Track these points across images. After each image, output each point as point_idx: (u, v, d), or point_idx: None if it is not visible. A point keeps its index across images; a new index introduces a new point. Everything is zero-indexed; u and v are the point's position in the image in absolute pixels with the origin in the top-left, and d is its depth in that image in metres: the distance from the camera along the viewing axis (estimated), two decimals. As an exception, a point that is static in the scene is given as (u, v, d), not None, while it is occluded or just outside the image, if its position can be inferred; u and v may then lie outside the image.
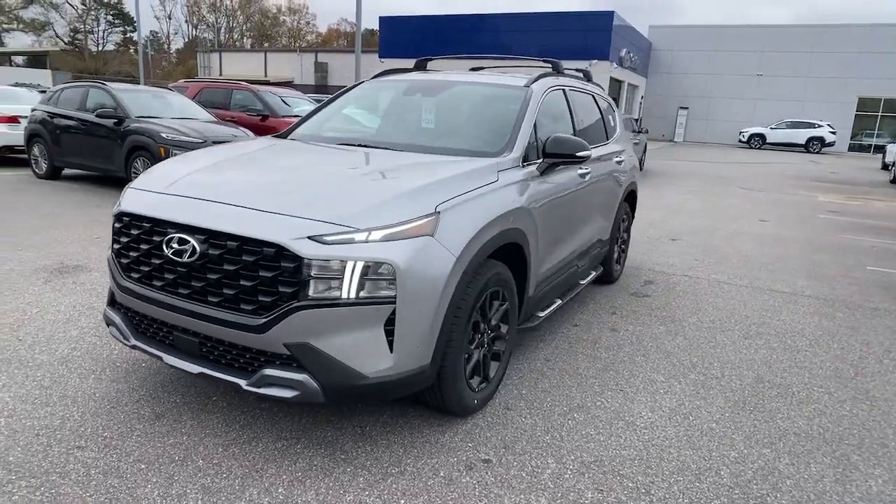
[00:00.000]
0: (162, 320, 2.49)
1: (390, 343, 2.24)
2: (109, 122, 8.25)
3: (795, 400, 3.18)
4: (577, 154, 3.26)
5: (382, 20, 31.77)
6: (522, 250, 2.99)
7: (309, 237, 2.18)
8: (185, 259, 2.32)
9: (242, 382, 2.28)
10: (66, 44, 51.53)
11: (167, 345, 2.52)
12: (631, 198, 5.40)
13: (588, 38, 26.86)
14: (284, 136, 3.75)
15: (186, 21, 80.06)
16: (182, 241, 2.33)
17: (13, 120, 10.28)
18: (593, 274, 4.55)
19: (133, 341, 2.59)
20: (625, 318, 4.35)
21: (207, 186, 2.56)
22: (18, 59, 43.15)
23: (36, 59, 39.93)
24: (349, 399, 2.34)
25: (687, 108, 35.55)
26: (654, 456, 2.56)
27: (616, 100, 30.38)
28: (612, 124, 5.08)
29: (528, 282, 3.15)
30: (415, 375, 2.34)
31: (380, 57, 32.08)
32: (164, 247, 2.38)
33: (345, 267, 2.16)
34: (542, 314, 3.55)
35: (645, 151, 17.08)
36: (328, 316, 2.17)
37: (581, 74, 4.90)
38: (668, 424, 2.84)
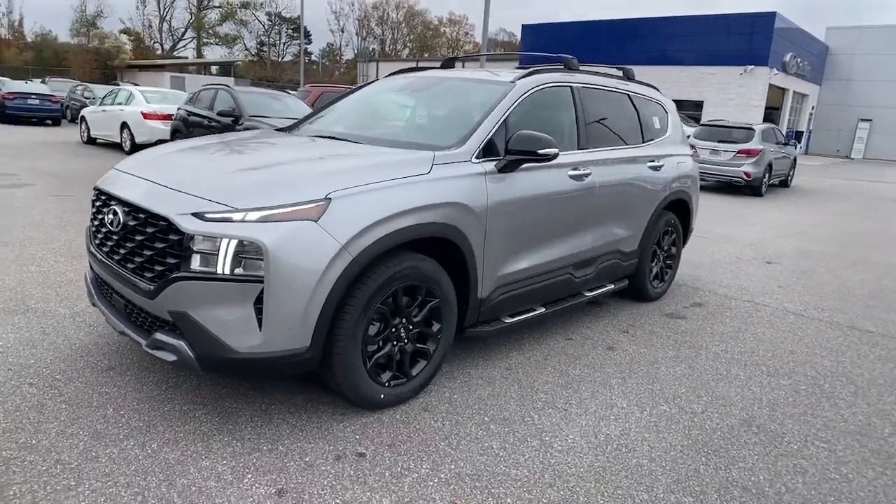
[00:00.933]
0: (108, 283, 2.79)
1: (260, 321, 2.30)
2: (227, 120, 9.27)
3: (776, 452, 2.67)
4: (539, 152, 3.06)
5: (525, 28, 31.77)
6: (459, 248, 2.87)
7: (192, 213, 2.32)
8: (115, 228, 2.59)
9: (143, 342, 2.48)
10: (252, 55, 58.53)
11: (111, 305, 2.82)
12: (679, 209, 4.88)
13: (746, 41, 24.49)
14: (287, 129, 3.96)
15: (357, 34, 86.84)
16: (114, 213, 2.60)
17: (167, 118, 11.94)
18: (609, 287, 4.20)
19: (94, 301, 2.93)
20: (635, 338, 3.95)
21: (155, 167, 2.82)
22: (213, 69, 49.79)
23: (226, 69, 45.88)
24: (222, 371, 2.43)
25: (870, 120, 30.93)
26: (543, 481, 2.33)
27: (777, 109, 27.36)
28: (657, 126, 4.65)
29: (475, 282, 3.02)
30: (289, 357, 2.37)
31: (521, 65, 32.12)
32: (105, 217, 2.68)
33: (220, 244, 2.26)
34: (510, 320, 3.38)
35: (793, 167, 15.27)
36: (204, 289, 2.29)
37: (621, 73, 4.56)
38: (590, 453, 2.55)
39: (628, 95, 4.39)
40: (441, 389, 3.02)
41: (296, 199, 2.36)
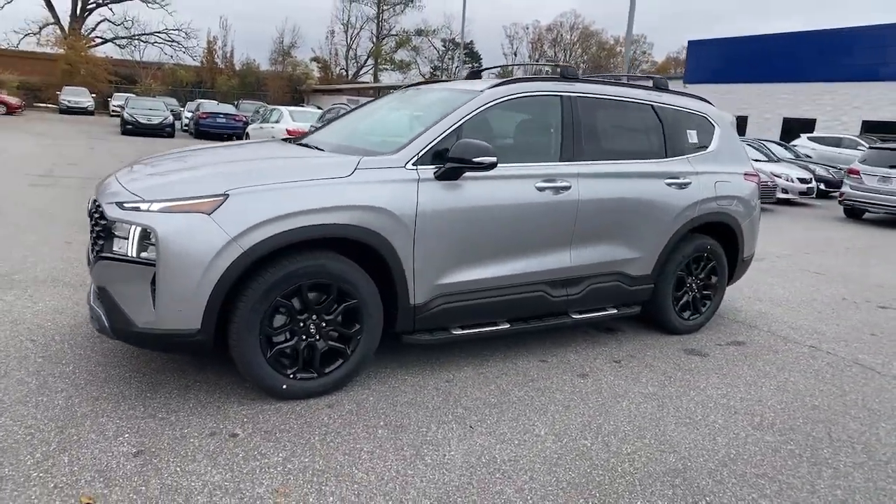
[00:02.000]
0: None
1: (154, 301, 2.57)
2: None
3: (685, 501, 2.30)
4: (473, 160, 2.99)
5: (691, 44, 29.77)
6: (378, 252, 2.91)
7: (116, 203, 2.68)
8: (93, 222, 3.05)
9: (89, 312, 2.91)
10: (425, 79, 62.51)
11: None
12: (720, 233, 4.32)
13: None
14: (298, 139, 4.27)
15: (529, 56, 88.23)
16: (89, 205, 3.08)
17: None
18: (610, 312, 3.87)
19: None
20: (622, 369, 3.59)
21: (128, 172, 3.23)
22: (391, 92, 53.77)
23: (397, 92, 49.51)
24: (128, 341, 2.72)
25: None
26: (381, 489, 2.27)
27: None
28: (693, 141, 4.20)
29: (403, 289, 3.02)
30: (182, 335, 2.61)
31: (684, 83, 30.13)
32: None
33: (129, 230, 2.59)
34: (460, 332, 3.31)
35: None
36: (117, 268, 2.63)
37: (650, 83, 4.21)
38: (457, 472, 2.42)
39: (652, 106, 4.04)
40: (362, 390, 3.05)
41: (194, 194, 2.61)
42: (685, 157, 4.12)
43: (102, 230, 2.71)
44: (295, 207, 2.69)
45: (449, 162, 3.04)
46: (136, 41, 46.10)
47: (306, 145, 3.62)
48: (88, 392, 2.82)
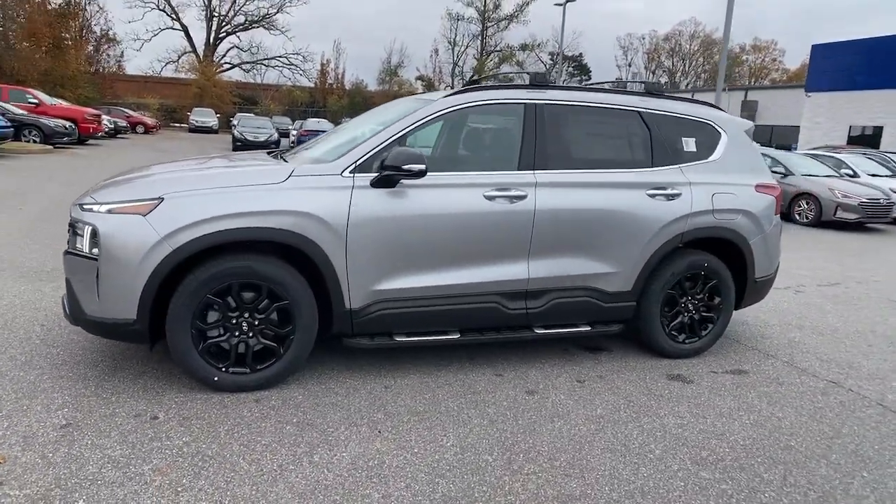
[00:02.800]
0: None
1: (98, 292, 2.87)
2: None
3: (553, 534, 2.16)
4: (403, 167, 3.03)
5: (816, 48, 27.18)
6: (308, 255, 3.02)
7: (78, 205, 3.03)
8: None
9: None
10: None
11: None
12: (723, 250, 3.97)
13: None
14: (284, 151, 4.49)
15: (645, 67, 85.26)
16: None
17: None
18: (583, 329, 3.70)
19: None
20: (577, 390, 3.41)
21: (111, 180, 3.60)
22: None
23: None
24: (82, 326, 3.03)
25: None
26: (257, 478, 2.36)
27: None
28: (689, 149, 3.92)
29: (337, 293, 3.11)
30: (121, 325, 2.88)
31: (806, 91, 27.63)
32: None
33: (84, 228, 2.92)
34: (404, 339, 3.34)
35: None
36: (76, 262, 2.97)
37: (643, 87, 4.00)
38: (343, 473, 2.45)
39: (639, 113, 3.82)
40: (296, 388, 3.17)
41: (135, 198, 2.90)
42: (676, 166, 3.85)
43: (69, 228, 3.08)
44: (221, 211, 2.88)
45: (385, 169, 3.10)
46: (258, 65, 50.48)
47: (280, 156, 3.84)
48: (59, 371, 3.18)
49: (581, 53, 70.08)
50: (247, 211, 2.92)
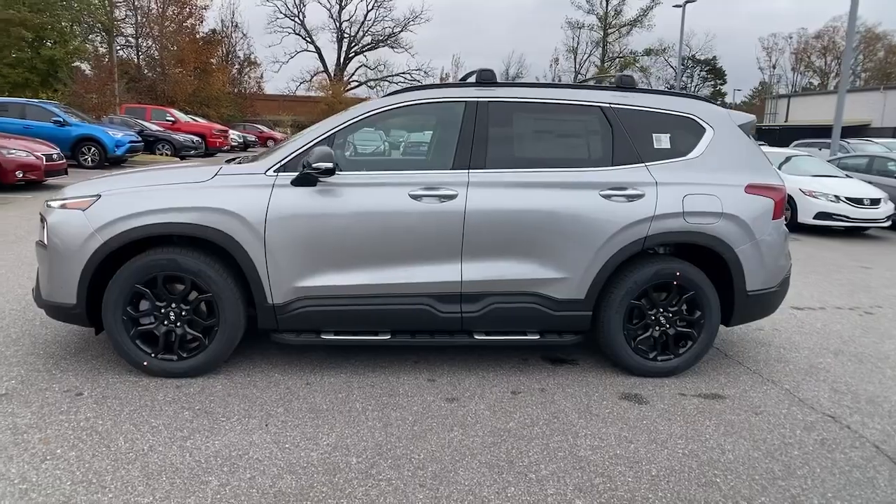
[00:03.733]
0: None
1: (48, 277, 3.22)
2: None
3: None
4: (313, 165, 3.08)
5: None
6: (227, 250, 3.16)
7: (46, 201, 3.42)
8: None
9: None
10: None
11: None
12: (702, 257, 3.54)
13: None
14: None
15: (793, 69, 77.85)
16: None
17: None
18: (531, 338, 3.48)
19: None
20: (502, 402, 3.20)
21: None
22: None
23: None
24: (42, 309, 3.37)
25: None
26: (122, 455, 2.51)
27: None
28: (662, 146, 3.56)
29: (259, 288, 3.21)
30: (66, 309, 3.20)
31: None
32: None
33: (44, 221, 3.29)
34: (332, 337, 3.37)
35: None
36: (38, 250, 3.36)
37: (619, 81, 3.70)
38: (200, 459, 2.53)
39: (601, 109, 3.54)
40: (221, 379, 3.31)
41: (80, 194, 3.21)
42: (642, 164, 3.50)
43: (40, 221, 3.49)
44: (146, 207, 3.11)
45: (302, 168, 3.16)
46: (383, 82, 53.07)
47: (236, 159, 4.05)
48: (35, 349, 3.60)
49: (714, 57, 65.44)
50: (168, 207, 3.12)
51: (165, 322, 3.25)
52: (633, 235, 3.40)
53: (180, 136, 18.87)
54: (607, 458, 2.69)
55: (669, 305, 3.56)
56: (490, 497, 2.36)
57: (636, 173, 3.47)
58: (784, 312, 5.01)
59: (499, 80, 3.57)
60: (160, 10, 32.64)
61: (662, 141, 3.57)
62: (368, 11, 52.16)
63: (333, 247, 3.24)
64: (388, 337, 3.41)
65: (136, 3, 30.39)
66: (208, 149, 20.74)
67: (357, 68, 54.15)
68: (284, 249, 3.20)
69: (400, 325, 3.42)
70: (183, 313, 3.25)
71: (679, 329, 3.59)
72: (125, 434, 2.69)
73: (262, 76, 51.31)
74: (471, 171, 3.36)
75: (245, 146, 27.48)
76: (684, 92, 3.98)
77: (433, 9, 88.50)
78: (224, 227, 3.14)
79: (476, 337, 3.46)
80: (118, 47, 29.28)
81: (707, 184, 3.51)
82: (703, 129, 3.63)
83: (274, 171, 3.25)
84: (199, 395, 3.12)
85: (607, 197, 3.40)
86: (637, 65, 52.89)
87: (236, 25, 45.67)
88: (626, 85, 3.68)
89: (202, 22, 35.65)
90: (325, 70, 52.35)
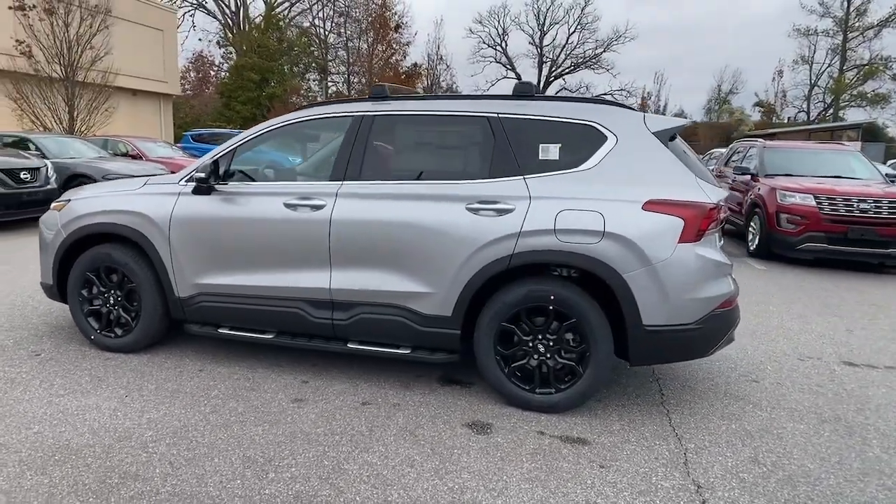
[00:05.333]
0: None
1: (41, 263, 4.14)
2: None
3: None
4: (195, 175, 3.53)
5: None
6: (141, 247, 3.75)
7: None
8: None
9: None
10: (916, 113, 48.68)
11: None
12: (588, 282, 3.13)
13: None
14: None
15: None
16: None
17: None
18: (403, 351, 3.44)
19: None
20: (346, 410, 3.22)
21: None
22: (850, 134, 44.93)
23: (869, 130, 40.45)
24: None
25: None
26: (9, 409, 3.17)
27: None
28: (542, 157, 3.27)
29: (166, 281, 3.73)
30: (48, 287, 4.08)
31: None
32: None
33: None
34: (226, 332, 3.74)
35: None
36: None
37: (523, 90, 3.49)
38: (53, 418, 3.08)
39: (488, 119, 3.37)
40: (141, 356, 3.87)
41: (63, 199, 4.08)
42: (520, 177, 3.24)
43: (48, 220, 4.47)
44: (90, 210, 3.85)
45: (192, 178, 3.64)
46: (583, 105, 52.42)
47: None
48: (49, 321, 4.60)
49: None
50: (103, 210, 3.82)
51: (107, 305, 3.95)
52: (499, 252, 3.17)
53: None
54: (362, 477, 2.59)
55: (548, 332, 3.21)
56: (216, 486, 2.48)
57: (512, 186, 3.23)
58: (824, 368, 4.05)
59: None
60: (370, 49, 37.03)
61: (550, 152, 3.26)
62: (570, 34, 52.41)
63: (223, 249, 3.62)
64: (272, 336, 3.66)
65: (348, 45, 34.95)
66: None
67: (558, 91, 54.40)
68: (184, 249, 3.67)
69: (279, 327, 3.65)
70: (119, 298, 3.91)
71: (562, 361, 3.21)
72: (18, 385, 3.37)
73: (462, 105, 54.46)
74: (344, 182, 3.47)
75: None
76: (595, 97, 3.54)
77: (638, 27, 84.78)
78: (139, 227, 3.73)
79: (349, 345, 3.53)
80: (330, 83, 33.89)
81: (591, 198, 3.11)
82: (604, 138, 3.23)
83: (186, 181, 3.76)
84: (113, 366, 3.71)
85: (475, 211, 3.23)
86: (889, 72, 44.23)
87: (441, 58, 49.52)
88: (521, 93, 3.45)
89: (405, 57, 39.36)
90: (523, 95, 53.64)
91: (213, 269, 3.66)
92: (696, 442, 3.00)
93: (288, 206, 3.50)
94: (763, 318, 5.28)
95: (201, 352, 4.01)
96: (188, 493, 2.43)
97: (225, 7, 37.32)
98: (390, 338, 3.46)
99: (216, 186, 3.64)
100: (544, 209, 3.14)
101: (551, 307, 3.16)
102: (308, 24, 38.13)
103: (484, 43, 57.14)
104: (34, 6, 13.55)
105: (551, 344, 3.22)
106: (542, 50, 54.14)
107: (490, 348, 3.27)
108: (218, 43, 35.85)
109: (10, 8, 13.58)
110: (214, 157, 3.72)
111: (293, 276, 3.53)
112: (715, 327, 3.16)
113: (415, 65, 40.52)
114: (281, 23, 33.86)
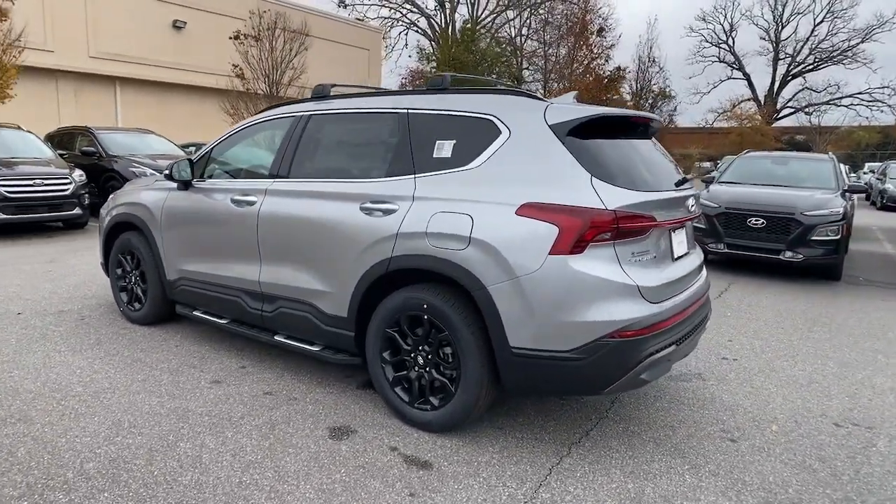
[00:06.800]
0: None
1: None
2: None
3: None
4: (164, 172, 3.97)
5: None
6: (143, 232, 4.36)
7: (127, 196, 5.30)
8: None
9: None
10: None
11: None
12: (461, 293, 2.83)
13: None
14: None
15: None
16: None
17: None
18: (315, 348, 3.45)
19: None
20: (248, 400, 3.36)
21: None
22: None
23: None
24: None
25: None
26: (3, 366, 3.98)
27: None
28: (436, 154, 3.03)
29: (160, 264, 4.29)
30: (103, 265, 4.97)
31: None
32: None
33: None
34: (197, 314, 4.16)
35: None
36: (118, 228, 5.28)
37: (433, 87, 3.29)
38: (40, 382, 3.78)
39: (405, 115, 3.21)
40: (155, 329, 4.48)
41: (111, 197, 4.93)
42: (412, 176, 3.03)
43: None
44: (119, 202, 4.60)
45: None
46: (824, 106, 44.73)
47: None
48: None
49: None
50: (125, 202, 4.55)
51: (130, 283, 4.66)
52: (380, 254, 3.02)
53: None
54: (179, 457, 2.70)
55: (426, 344, 2.96)
56: (69, 440, 2.83)
57: (401, 186, 3.05)
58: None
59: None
60: (570, 55, 36.42)
61: (444, 149, 3.00)
62: (816, 25, 45.15)
63: (192, 239, 4.05)
64: (226, 322, 3.96)
65: (547, 52, 34.87)
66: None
67: (797, 92, 47.19)
68: (169, 237, 4.18)
69: (227, 313, 3.93)
70: (136, 278, 4.59)
71: (437, 377, 2.94)
72: (27, 352, 4.13)
73: (675, 108, 50.45)
74: (275, 180, 3.62)
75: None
76: (502, 88, 3.04)
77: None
78: (144, 217, 4.35)
79: (277, 338, 3.66)
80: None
81: (468, 200, 2.80)
82: (498, 133, 2.87)
83: (171, 178, 4.27)
84: (121, 335, 4.37)
85: (368, 211, 3.12)
86: None
87: (653, 60, 46.28)
88: (434, 87, 3.21)
89: (607, 61, 37.86)
90: (754, 97, 47.53)
91: (187, 256, 4.10)
92: (560, 497, 2.50)
93: (234, 201, 3.77)
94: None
95: (201, 332, 4.48)
96: (45, 440, 2.80)
97: (437, 25, 39.99)
98: (302, 333, 3.51)
99: (193, 183, 4.08)
100: (422, 211, 2.90)
101: (426, 317, 2.91)
102: (510, 36, 38.87)
103: (707, 41, 52.21)
104: (247, 35, 16.25)
105: (429, 357, 2.96)
106: (777, 45, 47.59)
107: (376, 354, 3.13)
108: (427, 58, 38.40)
109: (229, 38, 16.48)
110: (197, 157, 4.17)
111: (235, 268, 3.79)
112: (606, 360, 2.58)
113: (618, 68, 38.69)
114: (476, 34, 35.18)
